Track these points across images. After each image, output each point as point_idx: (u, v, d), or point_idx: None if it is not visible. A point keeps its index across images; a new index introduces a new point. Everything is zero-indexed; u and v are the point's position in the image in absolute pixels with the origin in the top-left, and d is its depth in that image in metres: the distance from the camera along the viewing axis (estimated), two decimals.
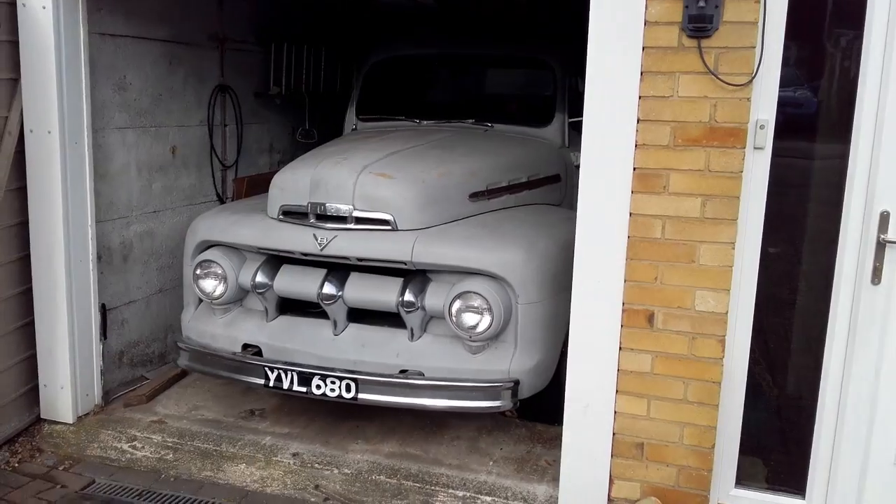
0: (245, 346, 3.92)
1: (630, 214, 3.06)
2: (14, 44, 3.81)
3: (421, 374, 3.62)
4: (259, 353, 3.88)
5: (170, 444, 3.92)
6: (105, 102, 4.33)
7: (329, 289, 3.69)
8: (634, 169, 3.03)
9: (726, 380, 3.13)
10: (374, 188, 3.64)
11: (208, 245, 4.03)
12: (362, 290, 3.70)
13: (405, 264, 3.60)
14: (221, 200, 5.30)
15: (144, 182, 4.67)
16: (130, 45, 4.46)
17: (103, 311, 4.25)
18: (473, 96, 5.18)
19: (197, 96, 5.12)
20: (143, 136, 4.64)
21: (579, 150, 3.14)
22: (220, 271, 3.92)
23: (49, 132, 3.85)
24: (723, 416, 3.15)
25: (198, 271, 3.98)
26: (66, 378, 4.04)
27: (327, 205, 3.67)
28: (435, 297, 3.61)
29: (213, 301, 3.98)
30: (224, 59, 5.35)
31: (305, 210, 3.73)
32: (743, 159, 2.93)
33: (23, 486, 3.56)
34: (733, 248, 2.98)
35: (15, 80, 3.83)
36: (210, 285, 3.96)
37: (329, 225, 3.68)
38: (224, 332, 3.97)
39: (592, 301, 3.17)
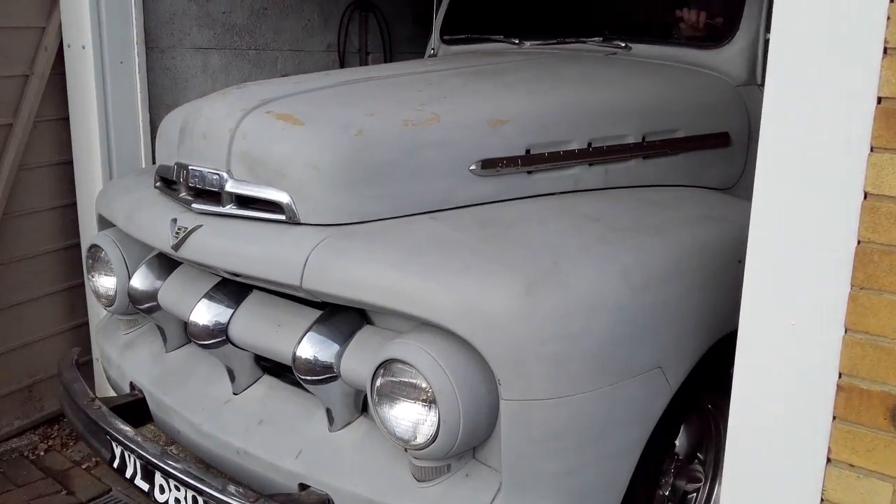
0: (134, 387, 2.48)
1: (865, 196, 1.40)
2: None
3: (325, 502, 1.89)
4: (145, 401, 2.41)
5: None
6: (176, 13, 3.36)
7: (205, 314, 2.07)
8: (880, 101, 1.35)
9: None
10: (263, 141, 1.92)
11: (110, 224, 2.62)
12: (253, 324, 2.05)
13: (298, 290, 1.87)
14: None
15: None
16: None
17: None
18: (610, 4, 3.15)
19: (322, 13, 4.05)
20: (236, 59, 3.67)
21: None
22: (110, 264, 2.49)
23: (83, 47, 2.97)
24: None
25: (89, 261, 2.58)
26: None
27: (191, 168, 2.04)
28: (358, 355, 1.84)
29: (107, 309, 2.57)
30: None
31: (174, 176, 2.13)
32: None
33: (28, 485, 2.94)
34: None
35: None
36: (100, 284, 2.54)
37: (199, 204, 2.05)
38: (118, 359, 2.55)
39: (774, 363, 1.51)
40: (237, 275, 1.96)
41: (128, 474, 2.13)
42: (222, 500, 1.87)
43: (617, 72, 2.51)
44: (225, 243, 1.93)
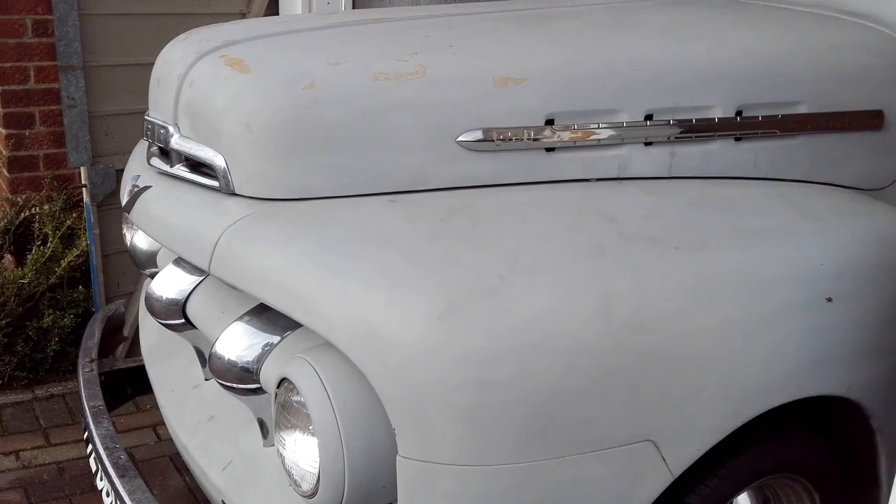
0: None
1: None
2: None
3: None
4: None
5: None
6: None
7: (164, 286, 1.82)
8: None
9: None
10: (205, 91, 1.59)
11: None
12: (204, 305, 1.76)
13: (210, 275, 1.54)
14: None
15: None
16: None
17: None
18: None
19: None
20: None
21: None
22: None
23: None
24: None
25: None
26: None
27: (145, 118, 1.77)
28: (279, 362, 1.49)
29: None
30: None
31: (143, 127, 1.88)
32: None
33: None
34: None
35: None
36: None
37: (157, 162, 1.78)
38: (140, 321, 2.40)
39: None
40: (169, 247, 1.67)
41: (88, 450, 1.97)
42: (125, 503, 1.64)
43: (723, 21, 1.88)
44: (159, 209, 1.65)
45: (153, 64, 1.76)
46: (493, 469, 1.20)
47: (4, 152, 3.27)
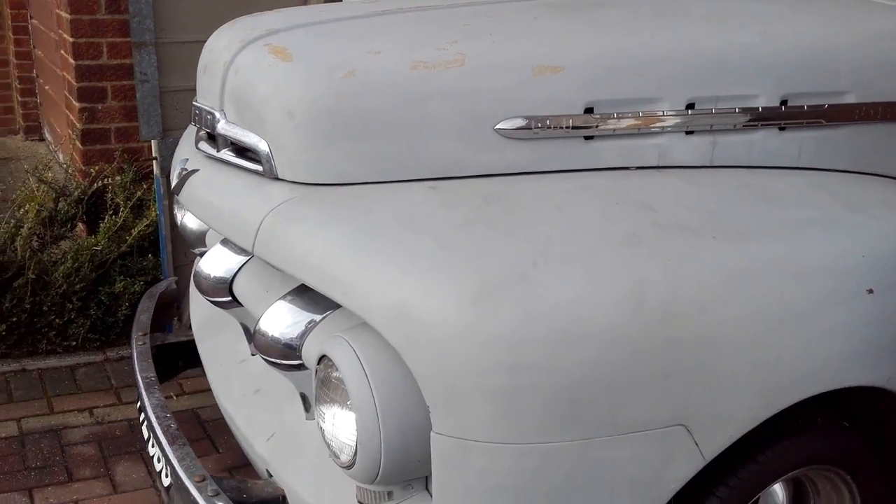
0: None
1: None
2: None
3: (279, 502, 1.64)
4: None
5: None
6: None
7: (213, 264, 1.87)
8: None
9: None
10: (250, 78, 1.64)
11: None
12: (250, 283, 1.82)
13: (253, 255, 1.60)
14: None
15: None
16: None
17: None
18: None
19: None
20: None
21: None
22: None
23: None
24: None
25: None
26: None
27: (193, 104, 1.83)
28: (320, 340, 1.53)
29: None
30: None
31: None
32: None
33: None
34: None
35: None
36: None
37: (205, 147, 1.83)
38: (191, 296, 2.48)
39: None
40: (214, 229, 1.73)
41: (141, 418, 2.05)
42: (174, 469, 1.71)
43: (769, 8, 1.85)
44: (206, 192, 1.71)
45: None
46: (524, 448, 1.23)
47: (78, 125, 3.42)
